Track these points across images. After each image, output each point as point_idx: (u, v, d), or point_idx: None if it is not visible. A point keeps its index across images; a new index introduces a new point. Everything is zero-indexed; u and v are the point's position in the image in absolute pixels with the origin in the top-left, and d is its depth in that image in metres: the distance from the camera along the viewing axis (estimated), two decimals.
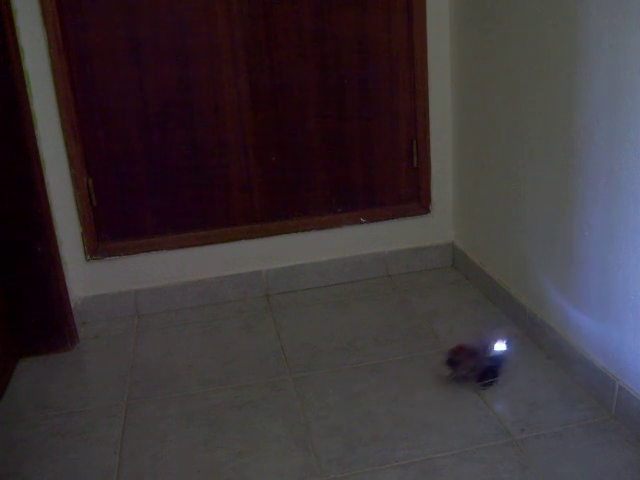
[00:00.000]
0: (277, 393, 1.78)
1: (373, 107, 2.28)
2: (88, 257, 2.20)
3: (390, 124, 2.31)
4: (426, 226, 2.44)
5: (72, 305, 2.11)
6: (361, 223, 2.38)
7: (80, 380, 1.93)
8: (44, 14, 1.94)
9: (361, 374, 1.83)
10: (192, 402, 1.76)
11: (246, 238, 2.31)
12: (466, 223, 2.38)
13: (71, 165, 2.09)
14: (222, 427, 1.65)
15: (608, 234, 1.54)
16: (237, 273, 2.33)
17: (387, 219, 2.40)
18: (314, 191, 2.32)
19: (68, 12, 1.99)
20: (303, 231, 2.34)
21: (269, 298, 2.35)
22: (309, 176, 2.30)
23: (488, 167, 2.13)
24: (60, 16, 1.97)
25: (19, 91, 1.86)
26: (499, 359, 1.74)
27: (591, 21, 1.49)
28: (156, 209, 2.22)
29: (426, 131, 2.33)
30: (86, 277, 2.22)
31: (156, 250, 2.25)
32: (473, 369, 1.73)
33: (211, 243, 2.28)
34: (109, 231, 2.21)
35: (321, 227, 2.35)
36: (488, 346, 1.73)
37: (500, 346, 1.74)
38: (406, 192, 2.40)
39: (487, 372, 1.72)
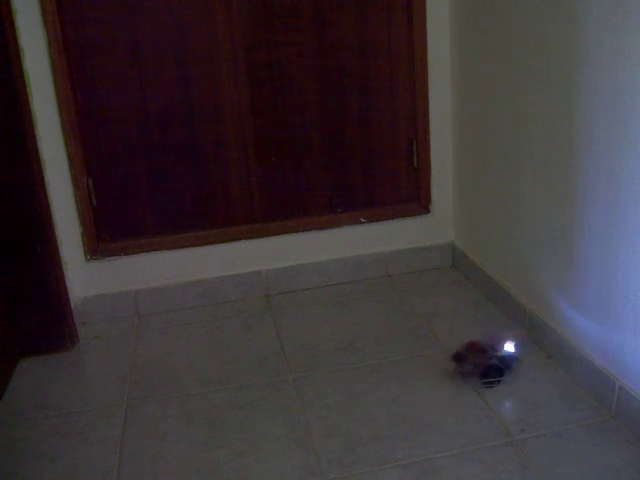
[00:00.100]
0: (277, 393, 1.78)
1: (373, 107, 2.28)
2: (88, 257, 2.20)
3: (390, 124, 2.31)
4: (426, 226, 2.44)
5: (72, 305, 2.11)
6: (361, 223, 2.38)
7: (80, 380, 1.93)
8: (44, 14, 1.94)
9: (361, 374, 1.83)
10: (192, 402, 1.76)
11: (246, 238, 2.31)
12: (466, 223, 2.38)
13: (71, 165, 2.09)
14: (222, 427, 1.65)
15: (608, 234, 1.54)
16: (237, 273, 2.33)
17: (387, 219, 2.40)
18: (314, 191, 2.32)
19: (68, 12, 1.99)
20: (303, 231, 2.34)
21: (269, 298, 2.35)
22: (309, 176, 2.30)
23: (488, 167, 2.13)
24: (60, 16, 1.97)
25: (19, 91, 1.86)
26: (506, 360, 1.74)
27: (591, 21, 1.49)
28: (156, 209, 2.22)
29: (426, 131, 2.33)
30: (86, 277, 2.22)
31: (156, 250, 2.25)
32: (478, 365, 1.73)
33: (211, 243, 2.28)
34: (109, 231, 2.21)
35: (321, 227, 2.35)
36: (497, 345, 1.74)
37: (509, 347, 1.75)
38: (406, 192, 2.40)
39: (491, 370, 1.71)
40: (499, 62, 1.96)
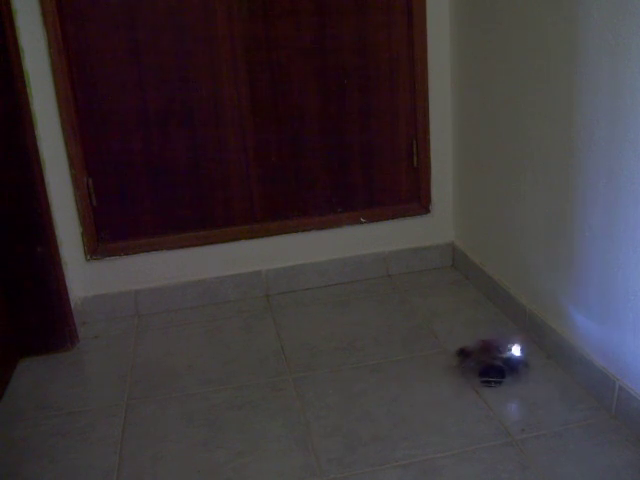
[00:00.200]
0: (277, 393, 1.78)
1: (373, 107, 2.28)
2: (88, 257, 2.20)
3: (390, 124, 2.31)
4: (426, 226, 2.44)
5: (72, 305, 2.11)
6: (361, 223, 2.38)
7: (80, 380, 1.93)
8: (44, 14, 1.94)
9: (361, 374, 1.83)
10: (192, 402, 1.76)
11: (246, 238, 2.31)
12: (466, 223, 2.38)
13: (71, 165, 2.09)
14: (222, 427, 1.65)
15: (608, 234, 1.54)
16: (237, 273, 2.33)
17: (387, 219, 2.40)
18: (314, 191, 2.32)
19: (68, 12, 1.99)
20: (303, 231, 2.34)
21: (269, 298, 2.35)
22: (309, 176, 2.30)
23: (488, 167, 2.13)
24: (60, 16, 1.97)
25: (19, 91, 1.86)
26: (511, 362, 1.72)
27: (591, 21, 1.49)
28: (156, 209, 2.22)
29: (426, 131, 2.33)
30: (86, 277, 2.22)
31: (156, 250, 2.25)
32: (480, 363, 1.73)
33: (211, 243, 2.28)
34: (109, 231, 2.21)
35: (321, 227, 2.35)
36: (503, 346, 1.72)
37: (516, 350, 1.73)
38: (406, 192, 2.40)
39: (492, 370, 1.71)
40: (499, 62, 1.96)
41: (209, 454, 1.55)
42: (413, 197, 2.41)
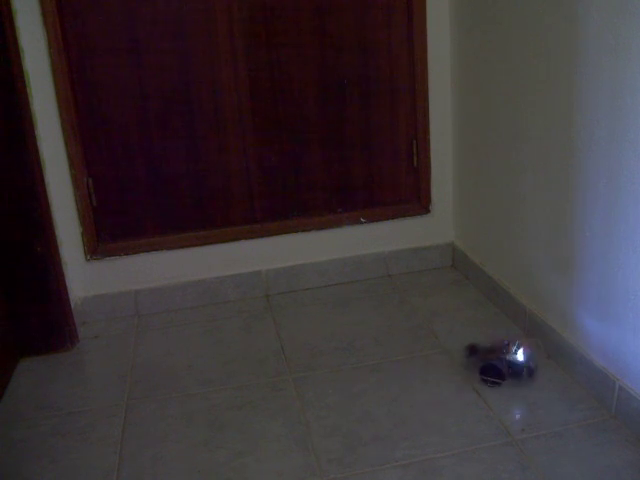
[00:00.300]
0: (277, 393, 1.78)
1: (373, 107, 2.28)
2: (88, 257, 2.20)
3: (390, 124, 2.31)
4: (426, 226, 2.44)
5: (72, 305, 2.11)
6: (361, 223, 2.38)
7: (80, 380, 1.93)
8: (44, 14, 1.94)
9: (361, 374, 1.83)
10: (192, 402, 1.76)
11: (246, 238, 2.31)
12: (466, 223, 2.38)
13: (71, 165, 2.09)
14: (222, 427, 1.65)
15: (608, 234, 1.54)
16: (237, 273, 2.33)
17: (387, 219, 2.40)
18: (314, 191, 2.32)
19: (68, 12, 1.99)
20: (303, 231, 2.34)
21: (269, 298, 2.35)
22: (309, 176, 2.30)
23: (488, 167, 2.13)
24: (60, 16, 1.97)
25: (19, 91, 1.86)
26: (513, 365, 1.70)
27: (591, 21, 1.49)
28: (156, 209, 2.22)
29: (426, 131, 2.33)
30: (86, 277, 2.22)
31: (156, 250, 2.25)
32: (484, 360, 1.73)
33: (211, 243, 2.28)
34: (109, 231, 2.21)
35: (321, 227, 2.35)
36: (509, 348, 1.70)
37: (520, 355, 1.70)
38: (406, 192, 2.40)
39: (491, 370, 1.71)
40: (499, 62, 1.96)
41: (209, 454, 1.55)
42: (413, 197, 2.41)
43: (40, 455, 1.59)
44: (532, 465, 1.44)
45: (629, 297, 1.50)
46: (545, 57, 1.71)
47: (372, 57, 2.23)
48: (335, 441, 1.57)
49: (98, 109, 2.09)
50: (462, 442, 1.53)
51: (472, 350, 1.81)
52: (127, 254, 2.23)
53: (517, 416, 1.61)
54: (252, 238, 2.31)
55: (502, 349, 1.71)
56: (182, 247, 2.26)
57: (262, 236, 2.32)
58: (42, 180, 1.97)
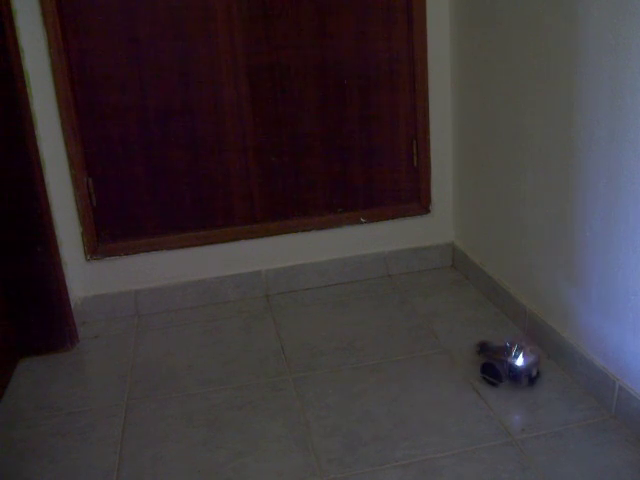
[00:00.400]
0: (277, 393, 1.78)
1: (373, 107, 2.28)
2: (88, 257, 2.20)
3: (390, 124, 2.31)
4: (426, 226, 2.44)
5: (72, 305, 2.11)
6: (361, 223, 2.38)
7: (80, 380, 1.93)
8: (44, 14, 1.94)
9: (361, 374, 1.83)
10: (192, 402, 1.76)
11: (246, 238, 2.31)
12: (466, 223, 2.38)
13: (71, 165, 2.10)
14: (222, 427, 1.65)
15: (608, 234, 1.54)
16: (237, 273, 2.33)
17: (387, 219, 2.40)
18: (314, 191, 2.32)
19: (68, 12, 1.99)
20: (303, 231, 2.34)
21: (269, 298, 2.35)
22: (309, 176, 2.30)
23: (488, 167, 2.13)
24: (60, 16, 1.97)
25: (19, 91, 1.86)
26: (513, 369, 1.68)
27: (591, 21, 1.49)
28: (156, 209, 2.22)
29: (426, 131, 2.33)
30: (86, 277, 2.22)
31: (156, 250, 2.25)
32: (489, 358, 1.72)
33: (211, 243, 2.28)
34: (109, 231, 2.21)
35: (321, 227, 2.35)
36: (512, 351, 1.68)
37: (519, 360, 1.67)
38: (406, 192, 2.40)
39: (490, 369, 1.71)
40: (499, 62, 1.96)
41: (209, 454, 1.55)
42: (413, 197, 2.41)
43: (40, 455, 1.59)
44: (532, 465, 1.44)
45: (629, 297, 1.50)
46: (545, 57, 1.71)
47: (372, 57, 2.23)
48: (335, 441, 1.56)
49: (98, 109, 2.09)
50: (462, 442, 1.53)
51: (483, 347, 1.80)
52: (127, 254, 2.23)
53: (517, 416, 1.61)
54: (252, 238, 2.31)
55: (506, 351, 1.70)
56: (182, 247, 2.26)
57: (262, 236, 2.32)
58: (42, 180, 1.97)
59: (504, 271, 2.12)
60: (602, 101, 1.49)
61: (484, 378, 1.73)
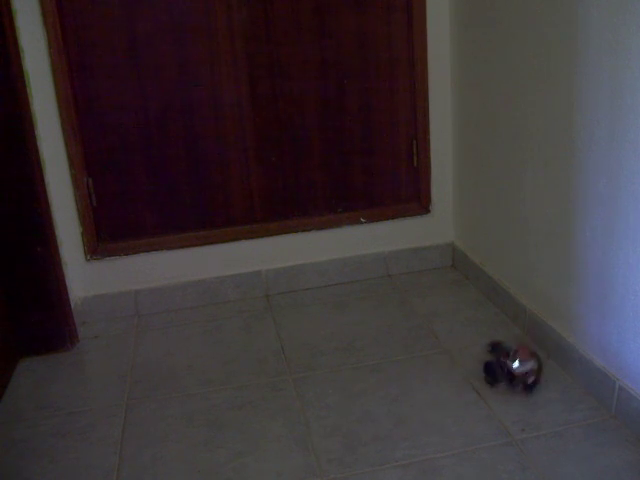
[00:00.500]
0: (277, 393, 1.78)
1: (373, 107, 2.28)
2: (88, 257, 2.20)
3: (390, 124, 2.31)
4: (426, 226, 2.44)
5: (72, 305, 2.11)
6: (361, 223, 2.38)
7: (80, 380, 1.93)
8: (44, 14, 1.94)
9: (361, 374, 1.83)
10: (192, 402, 1.76)
11: (246, 238, 2.31)
12: (466, 223, 2.38)
13: (71, 165, 2.09)
14: (222, 427, 1.65)
15: (608, 234, 1.54)
16: (237, 273, 2.33)
17: (387, 219, 2.40)
18: (314, 191, 2.32)
19: (68, 12, 1.99)
20: (303, 231, 2.34)
21: (269, 298, 2.35)
22: (309, 176, 2.30)
23: (488, 167, 2.13)
24: (60, 16, 1.97)
25: (19, 91, 1.86)
26: (510, 375, 1.66)
27: (591, 21, 1.49)
28: (156, 209, 2.22)
29: (426, 131, 2.33)
30: (86, 277, 2.22)
31: (156, 250, 2.25)
32: (494, 358, 1.72)
33: (211, 243, 2.28)
34: (109, 231, 2.21)
35: (321, 227, 2.35)
36: (513, 355, 1.67)
37: (516, 365, 1.66)
38: (406, 192, 2.40)
39: (489, 369, 1.71)
40: (499, 62, 1.96)
41: (209, 454, 1.55)
42: (413, 197, 2.41)
43: (40, 455, 1.59)
44: (532, 465, 1.44)
45: (629, 297, 1.50)
46: (545, 57, 1.71)
47: (372, 57, 2.23)
48: (335, 441, 1.56)
49: (98, 109, 2.09)
50: (462, 442, 1.53)
51: (494, 347, 1.78)
52: (127, 254, 2.23)
53: (517, 416, 1.60)
54: (252, 238, 2.31)
55: (508, 354, 1.68)
56: (182, 247, 2.26)
57: (262, 236, 2.32)
58: (42, 180, 1.97)
59: (504, 271, 2.12)
60: (602, 101, 1.49)
61: (485, 377, 1.73)
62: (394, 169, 2.36)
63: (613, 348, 1.58)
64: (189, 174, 2.21)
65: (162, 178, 2.19)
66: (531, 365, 1.66)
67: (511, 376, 1.67)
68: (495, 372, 1.69)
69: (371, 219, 2.38)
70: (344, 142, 2.29)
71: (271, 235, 2.32)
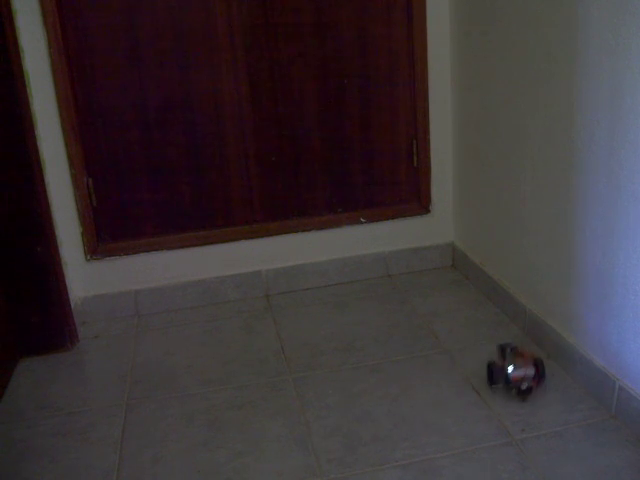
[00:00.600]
0: (277, 393, 1.78)
1: (373, 107, 2.28)
2: (88, 257, 2.20)
3: (390, 124, 2.31)
4: (426, 226, 2.44)
5: (72, 305, 2.11)
6: (361, 223, 2.38)
7: (80, 380, 1.93)
8: (44, 14, 1.94)
9: (361, 374, 1.83)
10: (192, 402, 1.76)
11: (246, 238, 2.31)
12: (466, 223, 2.38)
13: (71, 165, 2.09)
14: (222, 427, 1.65)
15: (608, 234, 1.54)
16: (237, 273, 2.33)
17: (387, 219, 2.40)
18: (314, 191, 2.32)
19: (68, 12, 1.99)
20: (303, 231, 2.34)
21: (269, 298, 2.35)
22: (309, 176, 2.30)
23: (488, 167, 2.13)
24: (60, 16, 1.97)
25: (19, 91, 1.86)
26: (508, 380, 1.65)
27: (592, 21, 1.49)
28: (156, 209, 2.22)
29: (426, 131, 2.33)
30: (86, 277, 2.22)
31: (156, 250, 2.25)
32: (497, 359, 1.72)
33: (211, 243, 2.28)
34: (109, 231, 2.21)
35: (321, 227, 2.35)
36: (511, 359, 1.66)
37: (510, 370, 1.64)
38: (406, 192, 2.40)
39: (488, 370, 1.71)
40: (499, 62, 1.96)
41: (209, 454, 1.55)
42: (413, 197, 2.41)
43: (40, 455, 1.59)
44: (532, 465, 1.44)
45: (629, 297, 1.50)
46: (545, 57, 1.71)
47: (372, 57, 2.23)
48: (335, 441, 1.57)
49: (98, 109, 2.09)
50: (462, 442, 1.53)
51: (502, 349, 1.75)
52: (127, 254, 2.23)
53: (517, 416, 1.60)
54: (252, 238, 2.31)
55: (505, 357, 1.67)
56: (182, 247, 2.26)
57: (262, 236, 2.32)
58: (42, 180, 1.97)
59: (504, 271, 2.12)
60: (602, 101, 1.49)
61: (488, 379, 1.72)
62: (394, 169, 2.36)
63: (613, 348, 1.58)
64: (189, 174, 2.21)
65: (162, 178, 2.19)
66: (526, 371, 1.64)
67: (507, 379, 1.66)
68: (493, 375, 1.69)
69: (371, 219, 2.38)
70: (344, 142, 2.29)
71: (271, 235, 2.32)
